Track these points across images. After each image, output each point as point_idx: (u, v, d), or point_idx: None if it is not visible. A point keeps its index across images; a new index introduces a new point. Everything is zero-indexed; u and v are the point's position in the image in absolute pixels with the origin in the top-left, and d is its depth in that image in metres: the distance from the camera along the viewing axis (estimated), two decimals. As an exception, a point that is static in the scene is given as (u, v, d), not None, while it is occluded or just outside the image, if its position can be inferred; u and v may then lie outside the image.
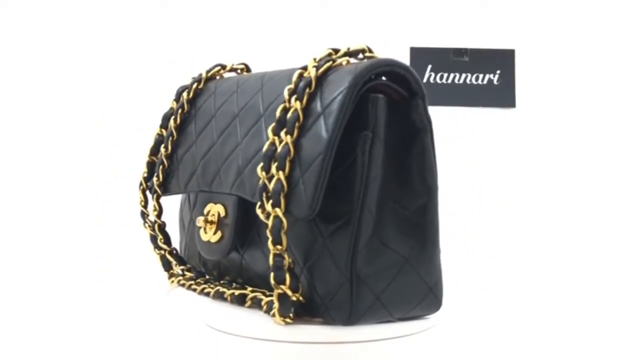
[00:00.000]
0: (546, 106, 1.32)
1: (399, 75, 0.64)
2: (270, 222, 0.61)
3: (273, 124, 0.64)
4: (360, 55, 0.66)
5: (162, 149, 0.83)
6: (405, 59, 1.30)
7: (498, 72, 1.31)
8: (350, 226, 0.61)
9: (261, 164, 0.63)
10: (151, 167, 0.85)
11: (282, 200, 0.61)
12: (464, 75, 1.30)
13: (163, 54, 1.28)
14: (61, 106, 1.29)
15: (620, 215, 1.31)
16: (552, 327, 1.13)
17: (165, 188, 0.83)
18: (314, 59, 0.66)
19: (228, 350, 0.67)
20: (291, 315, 0.63)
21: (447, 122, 1.29)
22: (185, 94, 0.83)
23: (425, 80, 1.29)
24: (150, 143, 0.85)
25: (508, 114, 1.31)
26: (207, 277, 0.81)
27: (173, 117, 0.83)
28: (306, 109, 0.63)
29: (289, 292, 0.62)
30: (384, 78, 0.65)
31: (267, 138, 0.64)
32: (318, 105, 0.63)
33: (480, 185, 1.30)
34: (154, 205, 0.84)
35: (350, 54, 0.66)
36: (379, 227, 0.62)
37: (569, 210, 1.30)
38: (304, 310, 0.65)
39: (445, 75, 1.30)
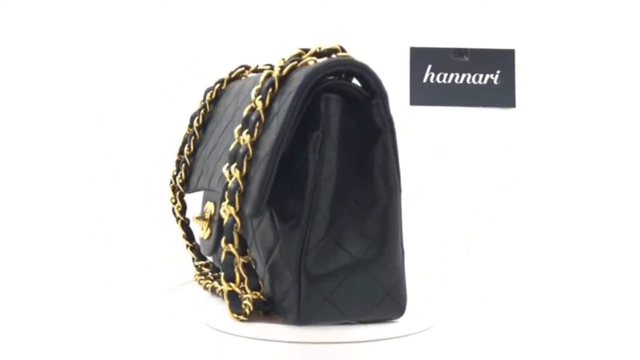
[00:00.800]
0: (546, 106, 1.32)
1: (357, 75, 0.63)
2: (225, 220, 0.62)
3: (239, 125, 0.65)
4: (333, 55, 0.65)
5: (185, 148, 0.85)
6: (405, 59, 1.30)
7: (498, 72, 1.31)
8: (301, 226, 0.61)
9: (227, 164, 0.64)
10: (179, 165, 0.87)
11: (237, 199, 0.62)
12: (464, 75, 1.30)
13: (163, 54, 1.28)
14: (61, 106, 1.29)
15: (620, 215, 1.30)
16: (552, 327, 1.13)
17: (188, 186, 0.85)
18: (282, 59, 0.66)
19: (228, 350, 0.67)
20: (247, 312, 0.64)
21: (447, 122, 1.29)
22: (208, 95, 0.85)
23: (425, 80, 1.29)
24: (179, 142, 0.88)
25: (508, 114, 1.31)
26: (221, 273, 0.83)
27: (197, 117, 0.85)
28: (268, 109, 0.64)
29: (238, 290, 0.64)
30: (355, 80, 0.65)
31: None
32: (276, 105, 0.63)
33: (480, 185, 1.30)
34: (177, 203, 0.86)
35: (321, 54, 0.65)
36: (335, 227, 0.62)
37: (569, 210, 1.30)
38: (271, 308, 0.66)
39: (445, 75, 1.30)
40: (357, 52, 1.33)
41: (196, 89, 0.92)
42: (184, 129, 0.88)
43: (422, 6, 1.31)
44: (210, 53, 1.26)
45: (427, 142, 1.29)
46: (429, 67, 1.30)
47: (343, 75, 0.64)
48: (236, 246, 0.63)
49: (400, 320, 0.67)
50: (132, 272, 1.21)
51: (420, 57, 1.30)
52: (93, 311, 1.20)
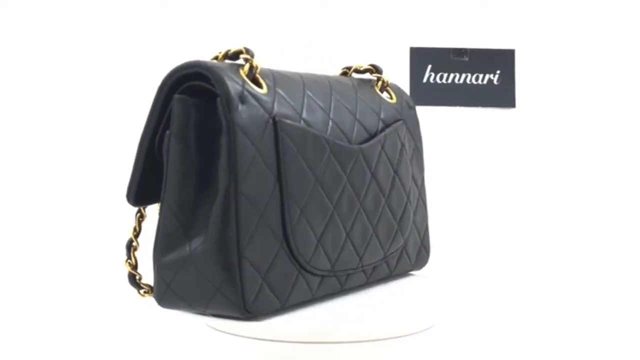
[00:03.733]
0: (546, 106, 1.32)
1: (205, 77, 0.65)
2: None
3: None
4: (242, 56, 0.67)
5: None
6: (405, 59, 1.30)
7: (498, 72, 1.31)
8: (158, 216, 0.67)
9: None
10: None
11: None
12: (464, 75, 1.30)
13: (163, 53, 1.28)
14: (61, 106, 1.29)
15: (620, 214, 1.30)
16: (552, 326, 1.13)
17: None
18: None
19: (228, 350, 0.67)
20: (150, 289, 0.72)
21: (447, 122, 1.29)
22: None
23: (425, 80, 1.29)
24: None
25: (508, 114, 1.31)
26: None
27: None
28: None
29: (131, 269, 0.73)
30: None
31: None
32: None
33: (480, 185, 1.30)
34: None
35: (229, 56, 0.68)
36: (189, 219, 0.65)
37: (569, 209, 1.30)
38: None
39: (445, 75, 1.30)
40: (357, 52, 1.33)
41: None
42: None
43: (422, 6, 1.31)
44: (211, 53, 1.26)
45: (427, 142, 1.29)
46: (429, 67, 1.30)
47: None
48: (137, 232, 0.73)
49: (401, 320, 0.67)
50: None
51: (420, 57, 1.30)
52: (93, 311, 1.20)
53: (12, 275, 1.24)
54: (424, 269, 0.87)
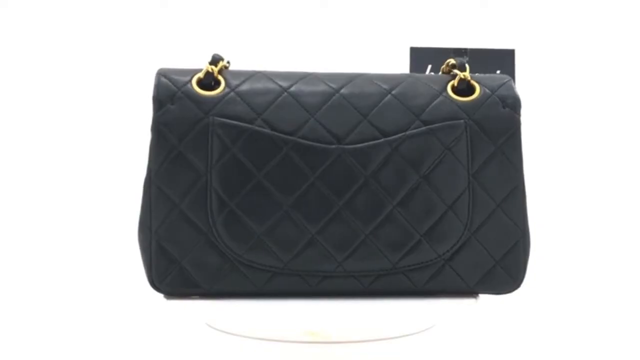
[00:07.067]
0: (546, 106, 1.32)
1: None
2: None
3: None
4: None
5: None
6: (405, 59, 1.30)
7: (498, 72, 1.30)
8: None
9: None
10: None
11: None
12: (464, 75, 1.30)
13: (162, 53, 1.28)
14: (60, 106, 1.29)
15: (620, 214, 1.30)
16: (553, 326, 1.13)
17: None
18: None
19: (228, 350, 0.67)
20: None
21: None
22: None
23: (425, 80, 1.29)
24: None
25: (508, 114, 1.30)
26: None
27: None
28: None
29: None
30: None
31: None
32: None
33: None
34: None
35: (212, 62, 0.74)
36: None
37: (569, 210, 1.30)
38: None
39: (445, 75, 1.30)
40: (357, 52, 1.33)
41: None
42: None
43: (422, 6, 1.31)
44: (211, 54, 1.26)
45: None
46: (429, 67, 1.30)
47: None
48: None
49: (401, 320, 0.67)
50: (132, 272, 1.21)
51: (420, 57, 1.30)
52: (94, 312, 1.20)
53: (14, 272, 1.24)
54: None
